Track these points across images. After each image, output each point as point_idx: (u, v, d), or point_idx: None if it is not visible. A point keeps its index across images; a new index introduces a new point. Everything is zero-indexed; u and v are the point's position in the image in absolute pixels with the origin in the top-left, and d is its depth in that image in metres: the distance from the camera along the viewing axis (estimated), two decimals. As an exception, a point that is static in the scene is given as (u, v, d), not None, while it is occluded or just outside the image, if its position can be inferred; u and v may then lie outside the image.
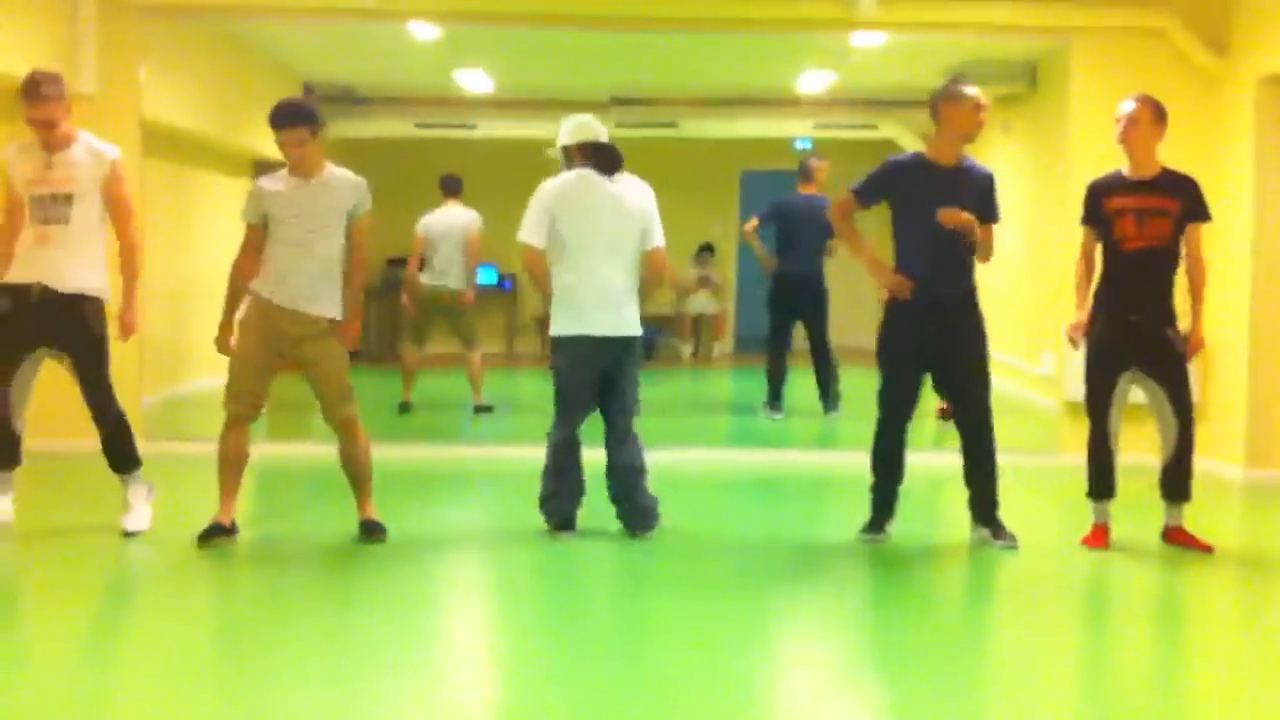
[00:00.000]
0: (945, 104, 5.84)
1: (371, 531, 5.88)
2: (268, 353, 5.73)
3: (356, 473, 5.92)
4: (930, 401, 7.48)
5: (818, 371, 9.88)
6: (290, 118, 5.65)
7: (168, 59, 8.95)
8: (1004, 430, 6.09)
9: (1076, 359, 6.23)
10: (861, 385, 7.26)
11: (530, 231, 5.89)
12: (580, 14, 8.44)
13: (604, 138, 6.03)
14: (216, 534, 5.74)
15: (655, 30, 8.95)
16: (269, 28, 9.94)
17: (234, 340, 5.77)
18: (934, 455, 7.16)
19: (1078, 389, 6.24)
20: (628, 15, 8.44)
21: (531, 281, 6.11)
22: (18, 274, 5.77)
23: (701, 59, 11.15)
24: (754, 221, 9.96)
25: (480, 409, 9.98)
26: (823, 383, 9.86)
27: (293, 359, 5.76)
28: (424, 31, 9.29)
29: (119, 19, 8.03)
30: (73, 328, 5.78)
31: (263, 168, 6.12)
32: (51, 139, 5.74)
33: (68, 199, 5.74)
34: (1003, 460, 6.03)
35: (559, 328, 5.93)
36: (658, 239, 6.00)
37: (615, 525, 6.10)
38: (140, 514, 5.97)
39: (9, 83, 6.84)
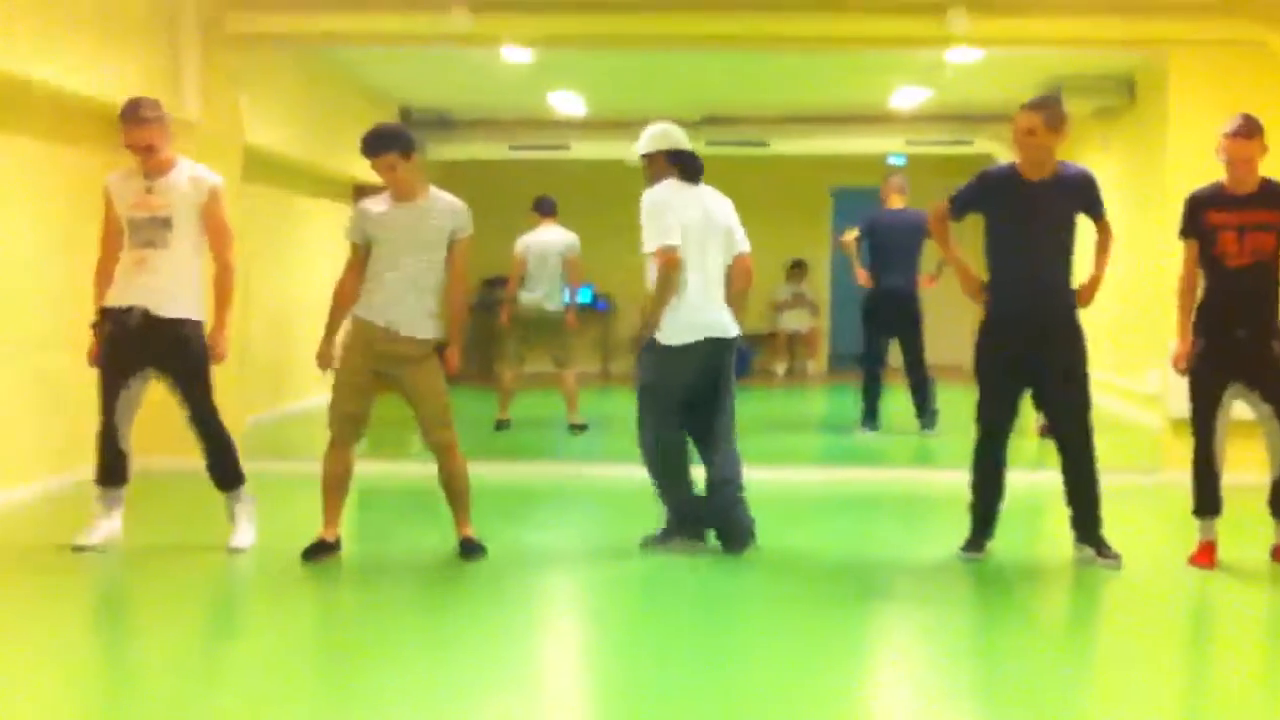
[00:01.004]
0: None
1: (470, 550, 5.94)
2: (368, 374, 5.82)
3: (454, 493, 5.99)
4: (1032, 419, 7.39)
5: (913, 389, 9.79)
6: (377, 144, 5.72)
7: (268, 86, 9.16)
8: (1108, 448, 6.00)
9: (1181, 376, 6.11)
10: (959, 403, 7.19)
11: (669, 233, 5.82)
12: (672, 35, 8.48)
13: (685, 145, 6.04)
14: (320, 551, 5.83)
15: (747, 50, 8.96)
16: (366, 54, 10.13)
17: (336, 360, 5.87)
18: (1036, 473, 7.05)
19: (1182, 406, 6.12)
20: (720, 35, 8.46)
21: (663, 287, 5.85)
22: (117, 297, 5.88)
23: (793, 77, 11.15)
24: (854, 231, 9.90)
25: (575, 427, 10.04)
26: (919, 400, 9.77)
27: (391, 380, 5.84)
28: (517, 55, 9.39)
29: (220, 48, 8.23)
30: (174, 351, 5.90)
31: (361, 192, 6.23)
32: (151, 163, 5.84)
33: (166, 223, 5.84)
34: (1107, 478, 5.93)
35: (676, 334, 5.90)
36: (745, 244, 6.06)
37: (707, 542, 6.09)
38: (245, 532, 6.08)
39: (114, 110, 7.05)
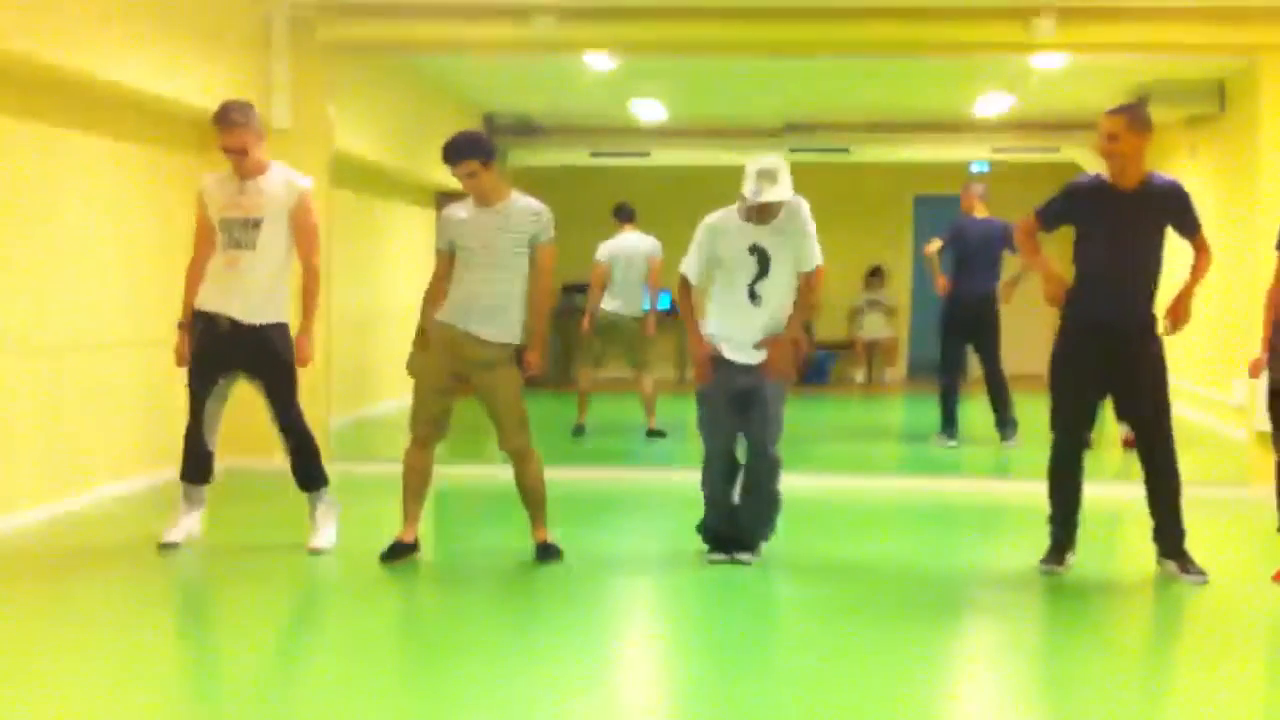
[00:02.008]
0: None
1: (546, 553, 5.99)
2: (448, 377, 5.88)
3: (530, 498, 6.03)
4: (1115, 430, 7.29)
5: (993, 398, 9.70)
6: (456, 153, 5.77)
7: (355, 93, 9.29)
8: (1193, 461, 5.91)
9: (1254, 380, 6.00)
10: (1039, 413, 7.10)
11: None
12: (755, 42, 8.48)
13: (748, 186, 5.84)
14: (398, 552, 5.91)
15: (830, 56, 8.94)
16: (451, 62, 10.25)
17: (420, 363, 5.94)
18: (1119, 486, 6.95)
19: (1266, 419, 6.01)
20: (804, 42, 8.45)
21: (818, 301, 6.08)
22: (207, 300, 6.01)
23: (875, 83, 11.10)
24: (937, 243, 9.85)
25: (652, 433, 10.07)
26: (998, 410, 9.67)
27: (471, 384, 5.91)
28: (600, 62, 9.45)
29: (309, 56, 8.38)
30: (262, 355, 6.01)
31: (445, 198, 6.30)
32: (243, 166, 5.95)
33: (256, 225, 5.94)
34: (1192, 492, 5.84)
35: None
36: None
37: (783, 550, 6.09)
38: (326, 532, 6.18)
39: (207, 117, 7.20)
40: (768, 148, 8.74)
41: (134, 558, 5.99)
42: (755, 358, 5.86)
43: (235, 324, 5.95)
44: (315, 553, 6.08)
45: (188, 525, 6.15)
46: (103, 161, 7.19)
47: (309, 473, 6.15)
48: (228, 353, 6.00)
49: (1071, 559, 5.90)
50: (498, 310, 5.83)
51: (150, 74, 6.98)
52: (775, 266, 5.82)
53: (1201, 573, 5.73)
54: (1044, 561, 5.90)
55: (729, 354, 5.87)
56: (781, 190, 5.68)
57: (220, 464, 6.23)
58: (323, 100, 8.46)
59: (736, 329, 5.88)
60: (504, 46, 8.71)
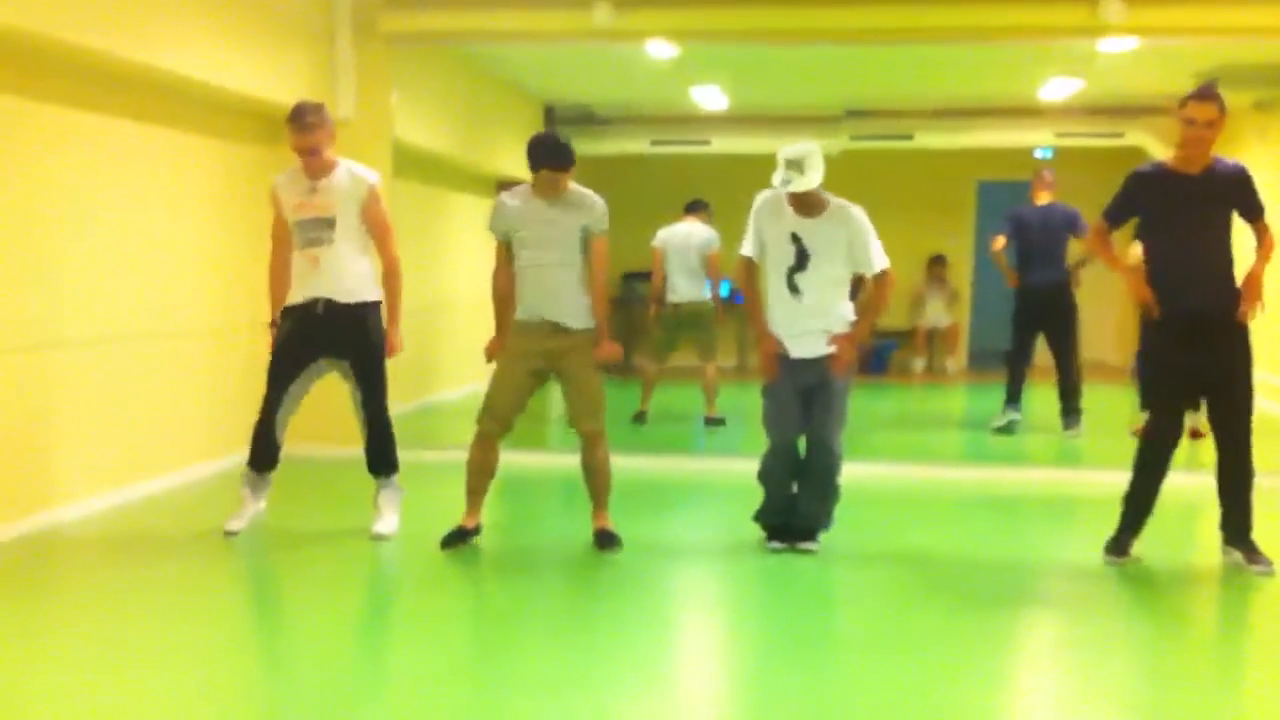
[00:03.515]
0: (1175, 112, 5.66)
1: (606, 541, 6.02)
2: (525, 371, 5.92)
3: (595, 481, 6.06)
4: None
5: (1062, 387, 9.59)
6: (568, 159, 5.79)
7: (417, 84, 9.36)
8: (1265, 451, 5.81)
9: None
10: (1104, 400, 7.03)
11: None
12: (816, 29, 8.43)
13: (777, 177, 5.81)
14: (459, 538, 5.98)
15: (895, 42, 8.87)
16: (511, 51, 10.28)
17: (500, 357, 5.98)
18: (1187, 475, 6.86)
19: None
20: (864, 28, 8.38)
21: (885, 303, 5.98)
22: (299, 294, 6.10)
23: (938, 69, 10.99)
24: (1001, 240, 9.66)
25: (712, 421, 10.07)
26: (1065, 398, 9.57)
27: (552, 372, 5.94)
28: (661, 50, 9.44)
29: (372, 47, 8.46)
30: (356, 335, 6.10)
31: (505, 187, 6.33)
32: (314, 166, 6.03)
33: (329, 223, 6.02)
34: (1261, 482, 5.76)
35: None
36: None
37: (842, 539, 6.08)
38: (389, 519, 6.25)
39: (274, 109, 7.30)
40: (829, 135, 8.66)
41: (199, 545, 6.09)
42: (817, 352, 5.84)
43: (330, 304, 6.04)
44: (378, 538, 6.15)
45: (252, 513, 6.24)
46: (168, 154, 7.30)
47: (383, 457, 6.24)
48: (320, 337, 6.08)
49: (1135, 550, 5.84)
50: (571, 296, 5.87)
51: (215, 67, 7.07)
52: (815, 262, 5.78)
53: (1268, 562, 5.66)
54: (1108, 551, 5.86)
55: (793, 351, 5.86)
56: (809, 180, 5.65)
57: (284, 450, 6.31)
58: (385, 91, 8.52)
59: (782, 320, 5.87)
60: (564, 36, 8.73)
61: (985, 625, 5.01)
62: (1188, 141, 5.62)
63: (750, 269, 6.00)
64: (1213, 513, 5.85)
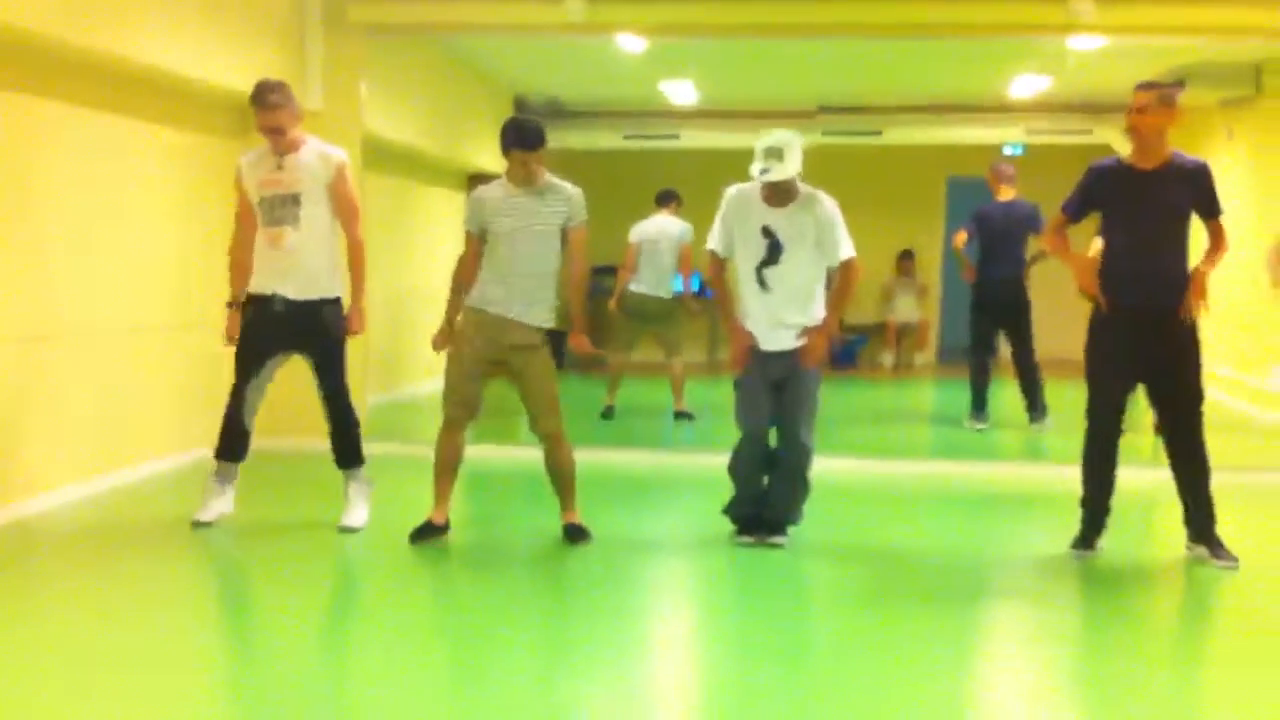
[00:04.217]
0: None
1: (575, 535, 6.01)
2: (481, 361, 5.90)
3: (560, 480, 6.06)
4: (1149, 415, 7.24)
5: (1022, 381, 9.67)
6: (539, 139, 5.78)
7: (387, 75, 9.31)
8: (1229, 447, 5.85)
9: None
10: (1068, 397, 7.07)
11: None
12: (787, 23, 8.44)
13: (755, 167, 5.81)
14: (428, 533, 5.96)
15: (862, 38, 8.89)
16: (482, 44, 10.26)
17: (451, 346, 5.97)
18: (1151, 471, 6.91)
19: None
20: (835, 23, 8.40)
21: (851, 293, 6.03)
22: (260, 283, 6.06)
23: (910, 65, 11.03)
24: (963, 235, 9.79)
25: (681, 415, 10.07)
26: (1028, 393, 9.64)
27: (503, 368, 5.93)
28: (631, 44, 9.43)
29: (342, 38, 8.41)
30: (314, 331, 6.07)
31: (477, 180, 6.32)
32: (280, 144, 5.99)
33: (295, 200, 5.98)
34: (1226, 478, 5.80)
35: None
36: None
37: (812, 533, 6.10)
38: (359, 512, 6.23)
39: (244, 101, 7.24)
40: (801, 130, 8.60)
41: (168, 537, 6.05)
42: (787, 344, 5.85)
43: (289, 302, 6.00)
44: (346, 531, 6.13)
45: (220, 504, 6.22)
46: (141, 146, 7.24)
47: (349, 450, 6.22)
48: (279, 332, 6.05)
49: (1102, 544, 5.89)
50: (536, 293, 5.85)
51: (185, 57, 7.02)
52: (788, 255, 5.78)
53: (1233, 558, 5.71)
54: (1075, 546, 5.89)
55: (764, 344, 5.86)
56: (788, 168, 5.65)
57: (251, 443, 6.27)
58: (355, 82, 8.48)
59: (754, 314, 5.88)
60: (535, 28, 8.71)
61: (953, 619, 5.03)
62: (1128, 130, 5.68)
63: (717, 263, 6.00)
64: (1179, 506, 5.89)
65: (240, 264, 6.12)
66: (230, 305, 6.15)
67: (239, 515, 6.29)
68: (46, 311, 6.48)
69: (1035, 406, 9.61)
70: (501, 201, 5.86)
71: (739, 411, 6.00)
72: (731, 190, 5.93)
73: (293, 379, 6.36)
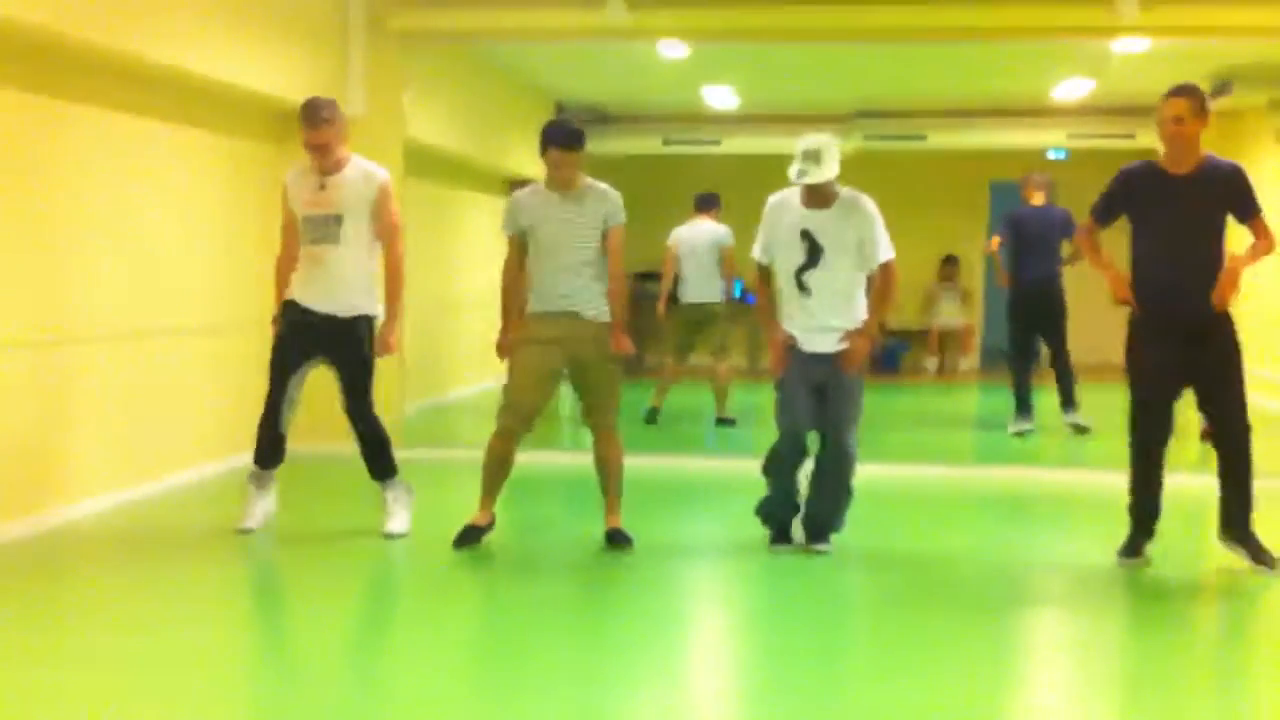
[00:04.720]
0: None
1: (618, 540, 6.00)
2: (549, 370, 5.89)
3: (608, 476, 6.03)
4: (1195, 421, 7.16)
5: (1059, 382, 9.70)
6: (578, 139, 5.80)
7: (428, 82, 9.36)
8: (1263, 450, 5.76)
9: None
10: (1110, 402, 6.99)
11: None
12: (828, 28, 8.41)
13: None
14: (471, 536, 5.95)
15: (907, 42, 8.84)
16: (523, 50, 10.28)
17: (512, 355, 5.96)
18: (1198, 478, 6.82)
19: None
20: (877, 28, 8.36)
21: (894, 294, 6.02)
22: (299, 294, 6.09)
23: (951, 69, 10.96)
24: (996, 240, 9.90)
25: (723, 421, 10.05)
26: (1064, 390, 9.66)
27: (568, 362, 5.91)
28: (672, 50, 9.42)
29: (384, 45, 8.46)
30: (346, 346, 6.08)
31: (517, 185, 6.32)
32: (325, 162, 6.01)
33: (338, 219, 6.00)
34: (1265, 483, 5.72)
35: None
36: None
37: (854, 539, 6.06)
38: (400, 518, 6.23)
39: (285, 107, 7.30)
40: (841, 135, 8.63)
41: (212, 544, 6.09)
42: (828, 348, 5.82)
43: (324, 316, 6.03)
44: (389, 537, 6.14)
45: (262, 510, 6.23)
46: (180, 151, 7.30)
47: (379, 464, 6.22)
48: (313, 343, 6.07)
49: (1149, 551, 5.81)
50: (588, 290, 5.87)
51: (226, 64, 7.08)
52: (828, 258, 5.75)
53: (1275, 562, 5.62)
54: (1121, 554, 5.82)
55: (804, 345, 5.84)
56: (825, 171, 5.63)
57: (292, 449, 6.28)
58: (396, 89, 8.52)
59: (796, 318, 5.85)
60: (576, 34, 8.72)
61: (994, 627, 4.99)
62: (1163, 139, 5.61)
63: (763, 273, 5.99)
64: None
65: (285, 280, 6.16)
66: (274, 321, 6.18)
67: (283, 521, 6.31)
68: (86, 315, 6.53)
69: (1069, 402, 9.65)
70: (541, 205, 5.87)
71: (778, 411, 5.97)
72: (773, 198, 5.92)
73: (332, 384, 6.38)
